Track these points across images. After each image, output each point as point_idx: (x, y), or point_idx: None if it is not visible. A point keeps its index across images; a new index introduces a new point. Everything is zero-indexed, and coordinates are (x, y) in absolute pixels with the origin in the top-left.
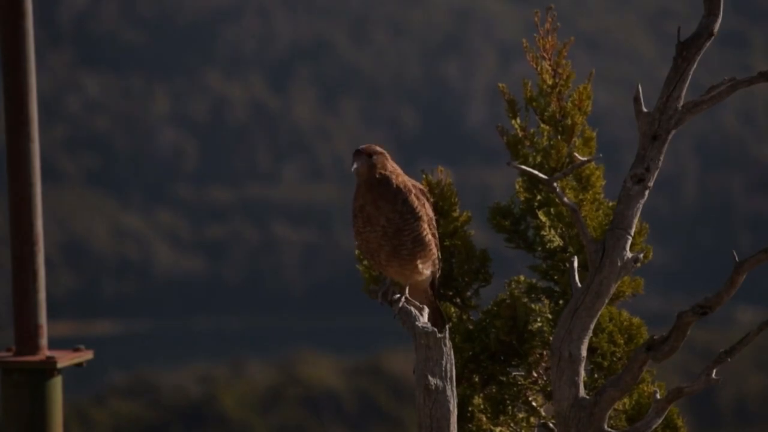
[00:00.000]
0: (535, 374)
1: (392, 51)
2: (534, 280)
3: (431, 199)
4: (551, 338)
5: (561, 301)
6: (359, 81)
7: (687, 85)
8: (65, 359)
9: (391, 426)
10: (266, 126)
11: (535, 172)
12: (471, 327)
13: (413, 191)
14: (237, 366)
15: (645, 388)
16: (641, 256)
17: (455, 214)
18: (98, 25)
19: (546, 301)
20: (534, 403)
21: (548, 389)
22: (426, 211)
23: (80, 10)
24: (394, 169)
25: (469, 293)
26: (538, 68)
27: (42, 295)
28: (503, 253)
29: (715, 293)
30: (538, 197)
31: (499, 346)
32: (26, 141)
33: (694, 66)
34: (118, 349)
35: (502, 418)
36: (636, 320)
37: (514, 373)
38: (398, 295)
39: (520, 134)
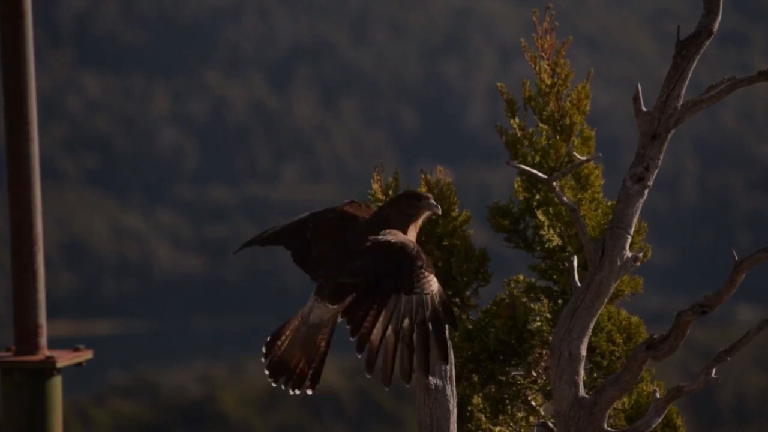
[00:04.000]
0: (534, 374)
1: (392, 51)
2: (533, 280)
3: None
4: (550, 338)
5: (560, 301)
6: (359, 81)
7: (687, 83)
8: (65, 359)
9: (391, 426)
10: (266, 126)
11: (534, 171)
12: (470, 326)
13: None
14: (237, 366)
15: (644, 387)
16: (641, 255)
17: (454, 214)
18: (98, 25)
19: (545, 301)
20: (533, 403)
21: (548, 388)
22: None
23: (80, 10)
24: None
25: (468, 293)
26: (537, 68)
27: (42, 295)
28: (502, 252)
29: (714, 292)
30: (537, 197)
31: (498, 345)
32: (26, 141)
33: (694, 65)
34: (118, 349)
35: (501, 417)
36: (635, 319)
37: (513, 373)
38: None
39: (519, 134)
